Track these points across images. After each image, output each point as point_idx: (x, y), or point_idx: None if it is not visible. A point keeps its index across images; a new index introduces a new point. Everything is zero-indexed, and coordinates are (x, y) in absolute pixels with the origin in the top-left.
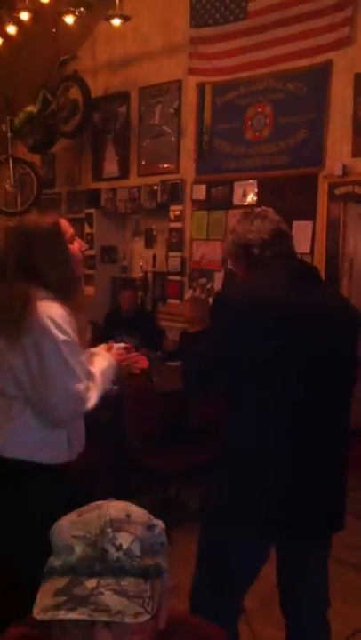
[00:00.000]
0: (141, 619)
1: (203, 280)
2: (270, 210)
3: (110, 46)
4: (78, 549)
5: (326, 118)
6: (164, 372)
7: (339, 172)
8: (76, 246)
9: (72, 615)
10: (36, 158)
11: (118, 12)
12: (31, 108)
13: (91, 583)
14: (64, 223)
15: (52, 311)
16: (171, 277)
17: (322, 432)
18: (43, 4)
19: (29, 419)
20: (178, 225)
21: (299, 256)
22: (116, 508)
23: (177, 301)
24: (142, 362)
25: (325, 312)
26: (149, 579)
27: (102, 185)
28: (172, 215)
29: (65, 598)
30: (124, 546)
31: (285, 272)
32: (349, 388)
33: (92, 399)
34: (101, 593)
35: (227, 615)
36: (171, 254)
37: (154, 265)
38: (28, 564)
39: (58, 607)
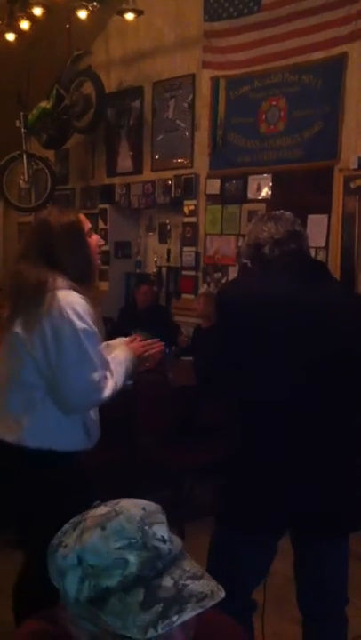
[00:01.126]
0: (222, 589)
1: (217, 275)
2: (287, 213)
3: (123, 41)
4: (133, 558)
5: (341, 111)
6: (178, 367)
7: (354, 165)
8: (94, 239)
9: (186, 615)
10: (49, 154)
11: (131, 6)
12: (45, 104)
13: (167, 582)
14: (83, 217)
15: (72, 299)
16: (185, 272)
17: (326, 431)
18: (55, 0)
19: (50, 408)
20: (192, 220)
21: (313, 254)
22: (130, 506)
23: (191, 296)
24: (158, 347)
25: (330, 310)
26: (186, 554)
27: (116, 180)
28: (185, 210)
29: (162, 605)
30: (165, 536)
31: (290, 270)
32: (357, 387)
33: (108, 390)
34: (185, 585)
35: (239, 611)
36: (185, 249)
37: (168, 260)
38: None
39: (165, 615)
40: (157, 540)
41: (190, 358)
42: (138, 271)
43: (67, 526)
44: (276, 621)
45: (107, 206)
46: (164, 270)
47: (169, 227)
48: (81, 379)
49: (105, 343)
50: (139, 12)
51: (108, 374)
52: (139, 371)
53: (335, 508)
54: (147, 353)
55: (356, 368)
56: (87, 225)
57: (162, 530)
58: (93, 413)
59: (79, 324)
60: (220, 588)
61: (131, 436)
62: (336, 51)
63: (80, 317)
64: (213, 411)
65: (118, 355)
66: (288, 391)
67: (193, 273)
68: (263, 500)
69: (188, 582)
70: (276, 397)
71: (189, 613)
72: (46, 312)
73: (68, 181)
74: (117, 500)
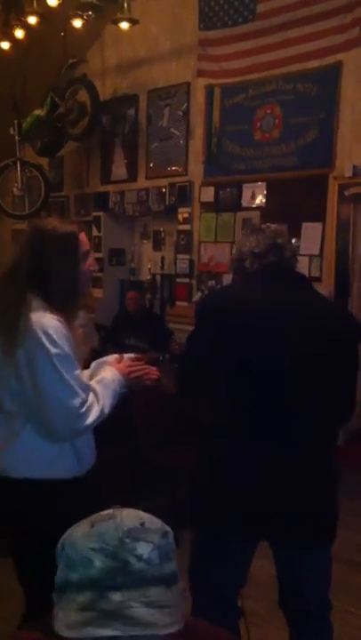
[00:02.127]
0: (172, 629)
1: (211, 282)
2: (273, 226)
3: (119, 49)
4: (98, 562)
5: (336, 119)
6: (171, 374)
7: (349, 172)
8: (88, 264)
9: (104, 632)
10: (43, 161)
11: (126, 15)
12: (39, 112)
13: (116, 597)
14: (83, 237)
15: (45, 322)
16: (179, 280)
17: (300, 436)
18: (51, 8)
19: (32, 436)
20: (186, 227)
21: (307, 261)
22: (129, 517)
23: (185, 304)
24: (153, 373)
25: (306, 317)
26: (170, 586)
27: (110, 188)
28: (180, 217)
29: (94, 614)
30: (145, 555)
31: (268, 281)
32: (332, 392)
33: (93, 415)
34: (130, 606)
35: (224, 617)
36: (179, 257)
37: (162, 267)
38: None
39: (88, 623)
40: (133, 555)
41: None
42: (132, 278)
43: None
44: (268, 629)
45: (101, 214)
46: (158, 278)
47: (163, 234)
48: (59, 405)
49: (95, 362)
50: (134, 22)
51: (91, 398)
52: (135, 389)
53: (310, 514)
54: (134, 374)
55: (327, 374)
56: (86, 246)
57: (145, 548)
58: (87, 437)
59: (52, 350)
60: (170, 626)
61: (130, 437)
62: (331, 59)
63: (52, 342)
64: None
65: (105, 376)
66: (264, 393)
67: (187, 280)
68: (244, 502)
69: (135, 605)
70: (248, 401)
71: (108, 632)
72: (20, 336)
73: (63, 189)
74: (126, 508)
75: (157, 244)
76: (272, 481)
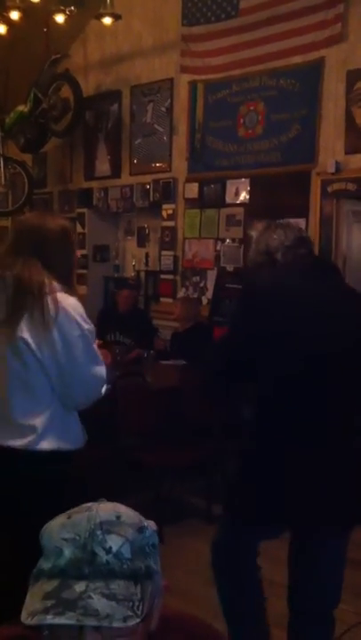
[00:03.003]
0: (130, 622)
1: (195, 278)
2: (290, 221)
3: (102, 44)
4: (67, 552)
5: (319, 115)
6: (156, 370)
7: (332, 168)
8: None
9: (60, 620)
10: (27, 158)
11: (109, 10)
12: (22, 108)
13: (80, 587)
14: (72, 228)
15: (73, 302)
16: (163, 276)
17: (335, 422)
18: (33, 3)
19: (56, 409)
20: (170, 224)
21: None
22: (105, 509)
23: (170, 300)
24: (105, 356)
25: (338, 305)
26: (140, 581)
27: (94, 184)
28: (164, 214)
29: (53, 602)
30: (114, 549)
31: (300, 270)
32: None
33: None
34: (90, 597)
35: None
36: (163, 253)
37: (146, 264)
38: None
39: (46, 611)
40: (102, 547)
41: (169, 362)
42: (116, 275)
43: None
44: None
45: (85, 210)
46: (142, 274)
47: (147, 231)
48: (91, 375)
49: None
50: (116, 17)
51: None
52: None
53: (341, 500)
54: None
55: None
56: (75, 235)
57: (116, 541)
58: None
59: (85, 326)
60: (128, 619)
61: (112, 436)
62: (314, 55)
63: (84, 319)
64: (193, 413)
65: None
66: (305, 382)
67: (172, 277)
68: (277, 491)
69: (95, 597)
70: (291, 387)
71: (62, 620)
72: (53, 316)
73: (46, 185)
74: (105, 501)
75: (142, 241)
76: (301, 474)
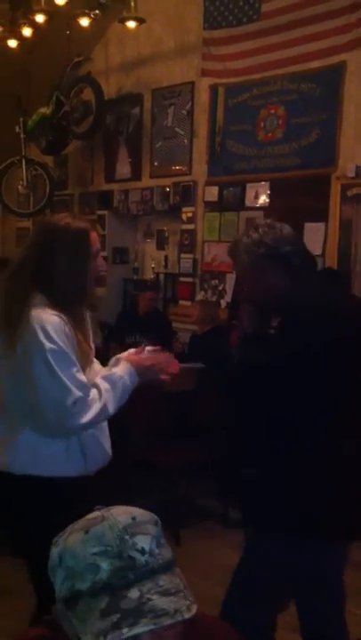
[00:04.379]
0: (194, 609)
1: (214, 282)
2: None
3: (123, 48)
4: (105, 565)
5: (339, 119)
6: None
7: (352, 173)
8: (97, 264)
9: (138, 630)
10: (48, 160)
11: (133, 14)
12: (44, 110)
13: (133, 593)
14: (94, 236)
15: (43, 318)
16: (182, 279)
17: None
18: (57, 7)
19: (30, 433)
20: (190, 227)
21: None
22: (120, 514)
23: (188, 303)
24: (173, 365)
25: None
26: (173, 570)
27: (114, 186)
28: (183, 217)
29: (118, 616)
30: (146, 548)
31: (321, 280)
32: None
33: (90, 413)
34: (150, 599)
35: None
36: (182, 256)
37: (165, 266)
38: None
39: (117, 626)
40: (136, 550)
41: (188, 365)
42: (135, 277)
43: (68, 528)
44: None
45: (105, 212)
46: (161, 277)
47: (167, 233)
48: (50, 401)
49: (114, 357)
50: (140, 21)
51: (92, 396)
52: (151, 383)
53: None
54: (156, 366)
55: None
56: (96, 245)
57: (144, 541)
58: (99, 434)
59: (47, 344)
60: (191, 608)
61: (125, 436)
62: (334, 59)
63: (48, 337)
64: (204, 414)
65: (114, 372)
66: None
67: (190, 279)
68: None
69: (154, 597)
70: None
71: (141, 628)
72: (19, 330)
73: (67, 187)
74: (112, 507)
75: (161, 243)
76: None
